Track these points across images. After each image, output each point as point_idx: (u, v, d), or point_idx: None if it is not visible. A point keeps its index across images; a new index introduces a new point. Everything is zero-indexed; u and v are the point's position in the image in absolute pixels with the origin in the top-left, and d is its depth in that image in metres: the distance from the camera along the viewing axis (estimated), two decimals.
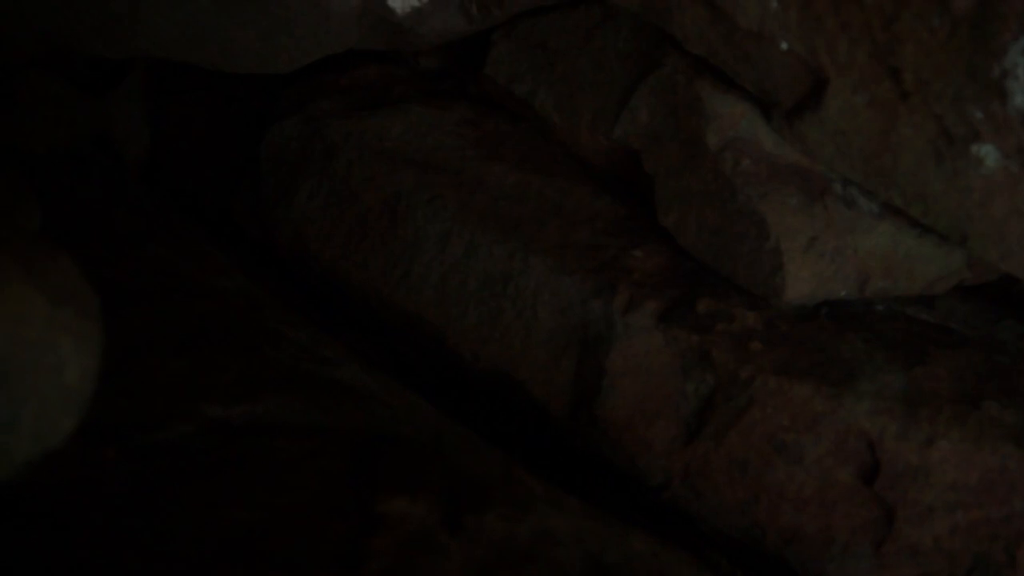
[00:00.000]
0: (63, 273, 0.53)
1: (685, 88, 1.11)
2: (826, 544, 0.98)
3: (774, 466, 0.99)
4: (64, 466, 0.59)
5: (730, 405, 1.01)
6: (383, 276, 1.25)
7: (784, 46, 0.95)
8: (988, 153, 0.90)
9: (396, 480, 0.63)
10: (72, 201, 1.22)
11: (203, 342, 0.87)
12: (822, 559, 0.98)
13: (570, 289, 1.13)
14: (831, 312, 1.10)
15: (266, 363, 0.86)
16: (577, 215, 1.22)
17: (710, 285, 1.11)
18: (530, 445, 1.13)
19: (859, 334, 1.07)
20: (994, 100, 0.85)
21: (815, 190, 1.07)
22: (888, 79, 0.90)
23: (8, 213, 0.73)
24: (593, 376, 1.10)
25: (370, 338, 1.24)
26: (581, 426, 1.11)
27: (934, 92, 0.87)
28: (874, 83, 0.91)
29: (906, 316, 1.12)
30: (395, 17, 1.21)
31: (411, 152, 1.30)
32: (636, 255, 1.16)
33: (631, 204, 1.22)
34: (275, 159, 1.37)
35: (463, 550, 0.53)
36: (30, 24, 1.16)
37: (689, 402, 1.04)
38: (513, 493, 0.66)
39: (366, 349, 1.19)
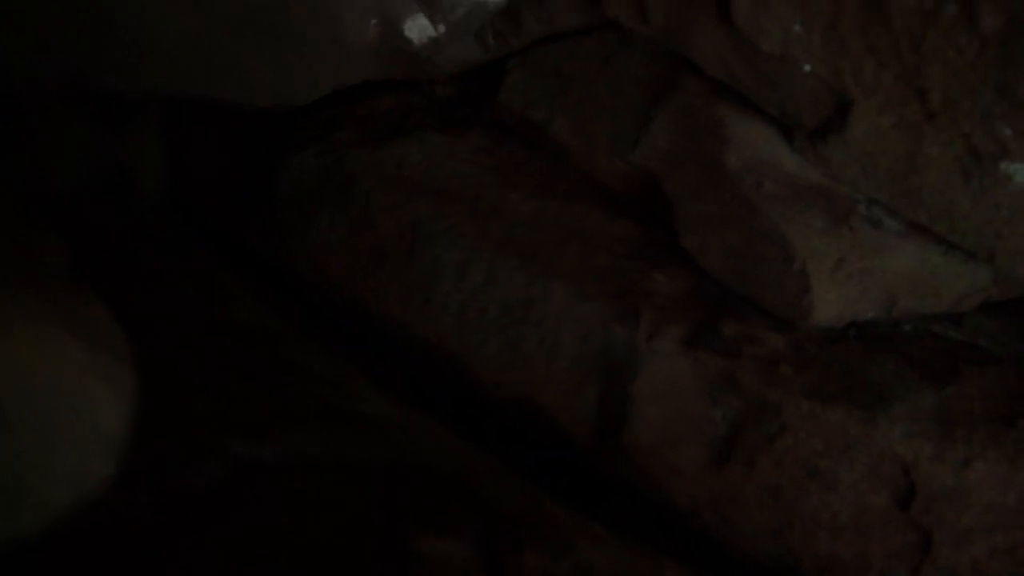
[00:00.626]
0: (97, 318, 0.53)
1: (704, 111, 1.11)
2: (862, 570, 0.96)
3: (807, 492, 0.98)
4: (97, 512, 0.58)
5: (760, 431, 1.00)
6: (402, 305, 1.25)
7: (807, 68, 0.95)
8: (1017, 171, 0.89)
9: (429, 516, 0.62)
10: (92, 235, 1.22)
11: (228, 377, 0.86)
12: None
13: (592, 315, 1.12)
14: (859, 333, 1.09)
15: (291, 398, 0.85)
16: (596, 240, 1.21)
17: (734, 308, 1.10)
18: (555, 472, 1.12)
19: (888, 355, 1.06)
20: (1023, 118, 0.84)
21: (840, 211, 1.06)
22: (915, 100, 0.90)
23: (35, 253, 0.72)
24: (618, 403, 1.09)
25: (391, 367, 1.23)
26: (607, 453, 1.09)
27: (962, 111, 0.87)
28: (901, 104, 0.91)
29: (934, 335, 1.11)
30: (412, 47, 1.21)
31: (428, 180, 1.30)
32: (658, 279, 1.15)
33: (650, 227, 1.22)
34: (292, 190, 1.37)
35: None
36: (49, 61, 1.16)
37: (717, 428, 1.03)
38: (548, 528, 0.65)
39: (388, 379, 1.18)
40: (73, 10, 1.14)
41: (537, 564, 0.54)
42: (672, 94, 1.14)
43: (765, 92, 1.03)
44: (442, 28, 1.21)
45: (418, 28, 1.20)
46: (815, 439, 0.98)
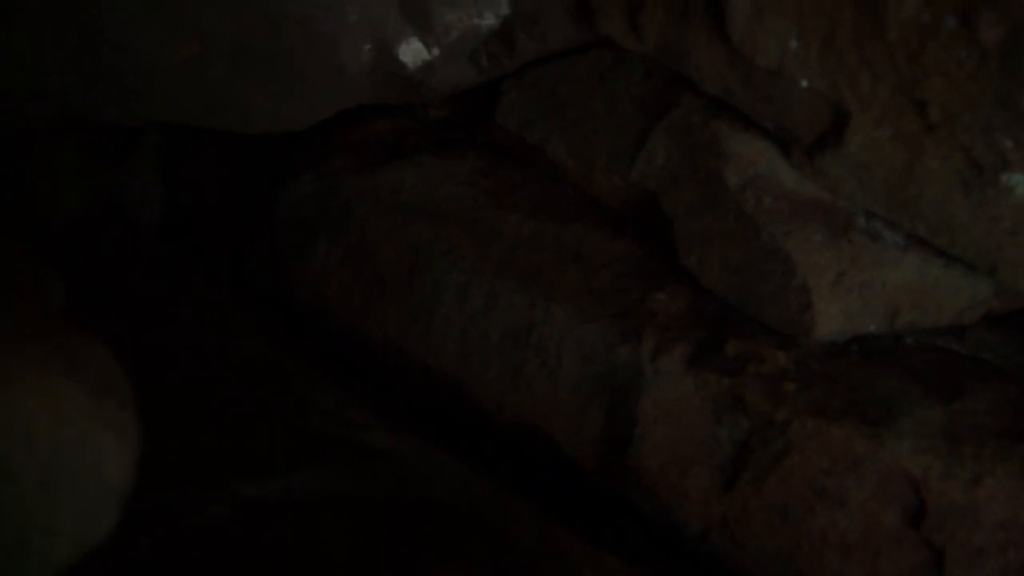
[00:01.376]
0: (101, 362, 0.52)
1: (701, 128, 1.11)
2: None
3: (816, 512, 0.97)
4: (100, 558, 0.57)
5: (767, 450, 0.99)
6: (403, 330, 1.24)
7: (804, 84, 0.95)
8: (1018, 182, 0.89)
9: (439, 551, 0.61)
10: (92, 269, 1.21)
11: (230, 412, 0.85)
12: None
13: (594, 336, 1.11)
14: (861, 348, 1.08)
15: (295, 432, 0.84)
16: (596, 260, 1.21)
17: (737, 325, 1.10)
18: (561, 496, 1.11)
19: (893, 369, 1.05)
20: None
21: (839, 225, 1.06)
22: (913, 112, 0.89)
23: (34, 292, 0.72)
24: (623, 424, 1.08)
25: (393, 394, 1.22)
26: (613, 476, 1.08)
27: (962, 123, 0.86)
28: (898, 117, 0.90)
29: (937, 348, 1.10)
30: (407, 71, 1.21)
31: (426, 204, 1.30)
32: (659, 298, 1.14)
33: (650, 246, 1.21)
34: (290, 217, 1.37)
35: None
36: (47, 95, 1.16)
37: (724, 448, 1.02)
38: (558, 560, 0.64)
39: (390, 406, 1.17)
40: (67, 45, 1.14)
41: None
42: (669, 111, 1.14)
43: (762, 107, 1.03)
44: (436, 51, 1.21)
45: (412, 52, 1.20)
46: (822, 457, 0.97)
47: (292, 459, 0.71)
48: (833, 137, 0.99)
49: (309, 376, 1.08)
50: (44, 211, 1.34)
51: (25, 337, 0.52)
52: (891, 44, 0.86)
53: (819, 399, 1.00)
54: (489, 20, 1.19)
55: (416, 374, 1.23)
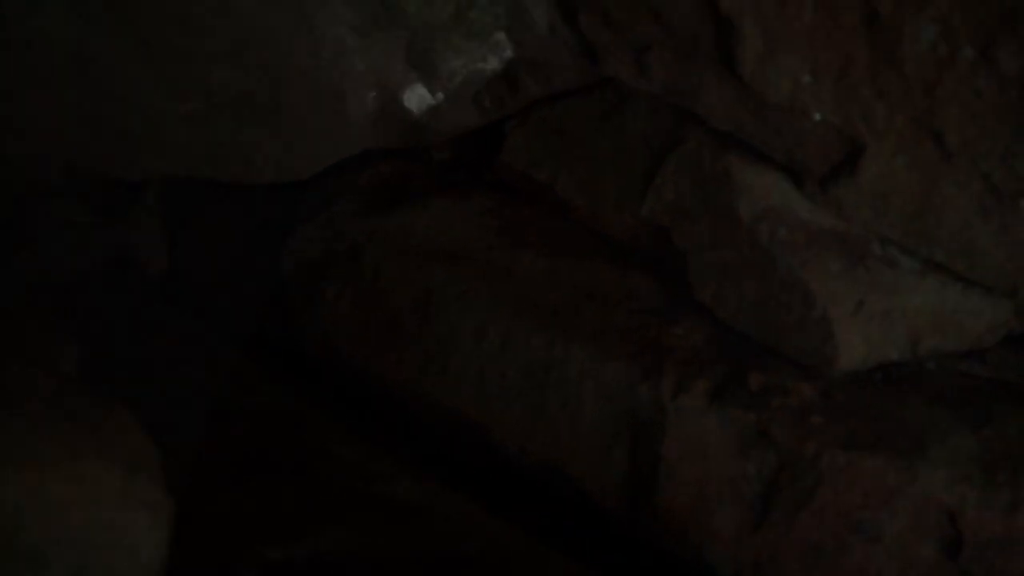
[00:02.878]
0: (131, 439, 0.51)
1: (712, 163, 1.10)
2: None
3: (851, 548, 0.95)
4: None
5: (797, 486, 0.98)
6: (419, 374, 1.23)
7: (817, 117, 0.95)
8: None
9: None
10: (100, 324, 1.20)
11: (252, 471, 0.84)
12: None
13: (615, 375, 1.10)
14: (885, 376, 1.07)
15: (319, 489, 0.82)
16: (611, 297, 1.20)
17: (757, 358, 1.09)
18: (588, 539, 1.09)
19: (919, 396, 1.04)
20: None
21: (855, 253, 1.05)
22: (930, 141, 0.89)
23: (47, 357, 0.70)
24: (648, 464, 1.06)
25: (413, 439, 1.21)
26: (641, 518, 1.07)
27: (980, 151, 0.86)
28: (914, 146, 0.90)
29: (960, 373, 1.09)
30: (412, 116, 1.21)
31: (437, 246, 1.29)
32: (677, 332, 1.13)
33: (663, 280, 1.20)
34: (298, 264, 1.36)
35: None
36: (52, 151, 1.16)
37: (752, 485, 1.01)
38: None
39: (411, 453, 1.15)
40: (71, 100, 1.14)
41: None
42: (677, 147, 1.14)
43: (773, 141, 1.03)
44: (440, 96, 1.21)
45: (417, 97, 1.20)
46: (854, 491, 0.95)
47: (318, 519, 0.70)
48: (847, 167, 0.99)
49: (326, 426, 1.07)
50: (50, 267, 1.33)
51: (53, 416, 0.50)
52: (907, 76, 0.86)
53: (848, 431, 0.99)
54: (493, 64, 1.19)
55: (434, 417, 1.21)
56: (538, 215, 1.32)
